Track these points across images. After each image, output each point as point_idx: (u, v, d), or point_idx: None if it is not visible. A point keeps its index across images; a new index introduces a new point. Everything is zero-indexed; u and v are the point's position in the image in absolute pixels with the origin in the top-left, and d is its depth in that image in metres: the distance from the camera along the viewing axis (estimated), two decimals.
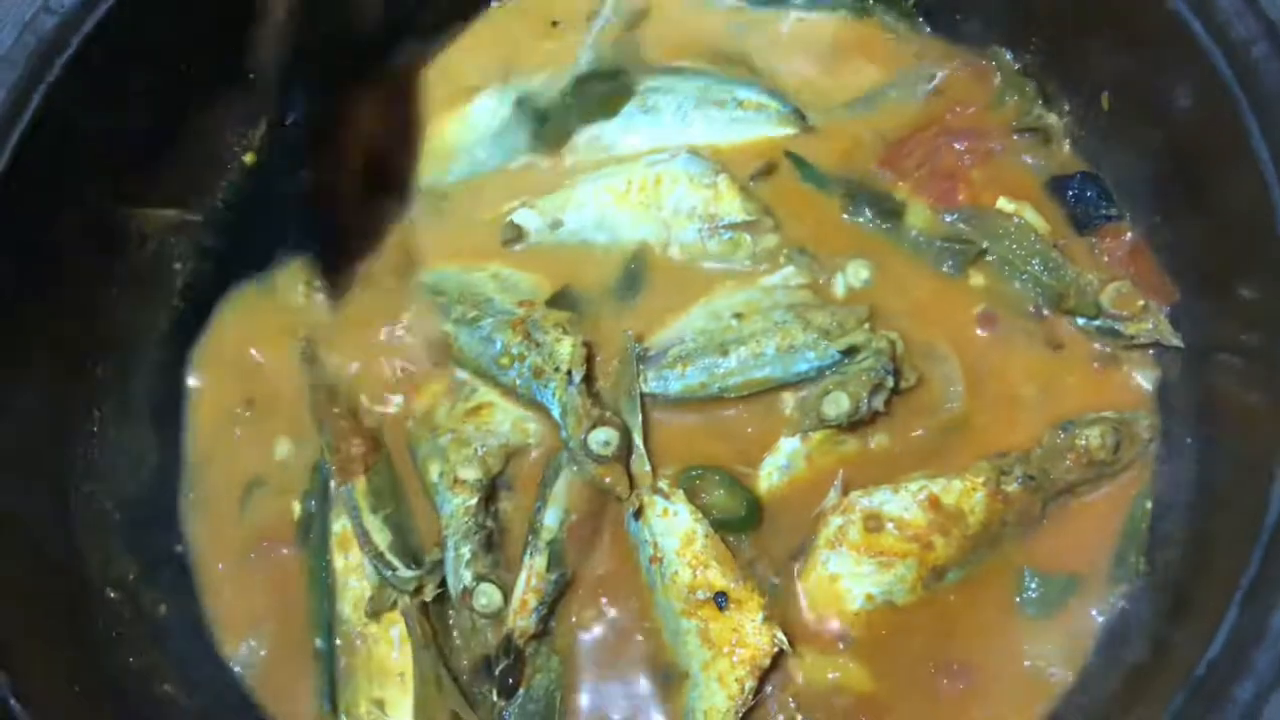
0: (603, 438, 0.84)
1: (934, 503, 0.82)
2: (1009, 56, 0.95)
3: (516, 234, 0.96)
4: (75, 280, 0.89)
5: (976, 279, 0.91)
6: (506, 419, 0.90)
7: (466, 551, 0.85)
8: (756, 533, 0.86)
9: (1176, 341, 0.83)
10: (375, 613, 0.86)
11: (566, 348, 0.87)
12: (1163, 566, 0.79)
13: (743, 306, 0.90)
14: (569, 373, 0.86)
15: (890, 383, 0.84)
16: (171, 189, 0.96)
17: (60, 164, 0.84)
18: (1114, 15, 0.81)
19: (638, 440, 0.86)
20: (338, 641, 0.88)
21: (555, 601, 0.86)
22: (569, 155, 1.00)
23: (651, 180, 0.95)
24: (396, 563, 0.86)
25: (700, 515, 0.84)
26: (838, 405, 0.84)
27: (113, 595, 0.87)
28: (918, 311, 0.90)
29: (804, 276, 0.91)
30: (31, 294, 0.84)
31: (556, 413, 0.87)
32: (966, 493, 0.83)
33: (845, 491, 0.85)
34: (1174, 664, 0.67)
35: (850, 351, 0.85)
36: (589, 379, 0.88)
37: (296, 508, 0.92)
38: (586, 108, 1.00)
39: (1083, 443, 0.83)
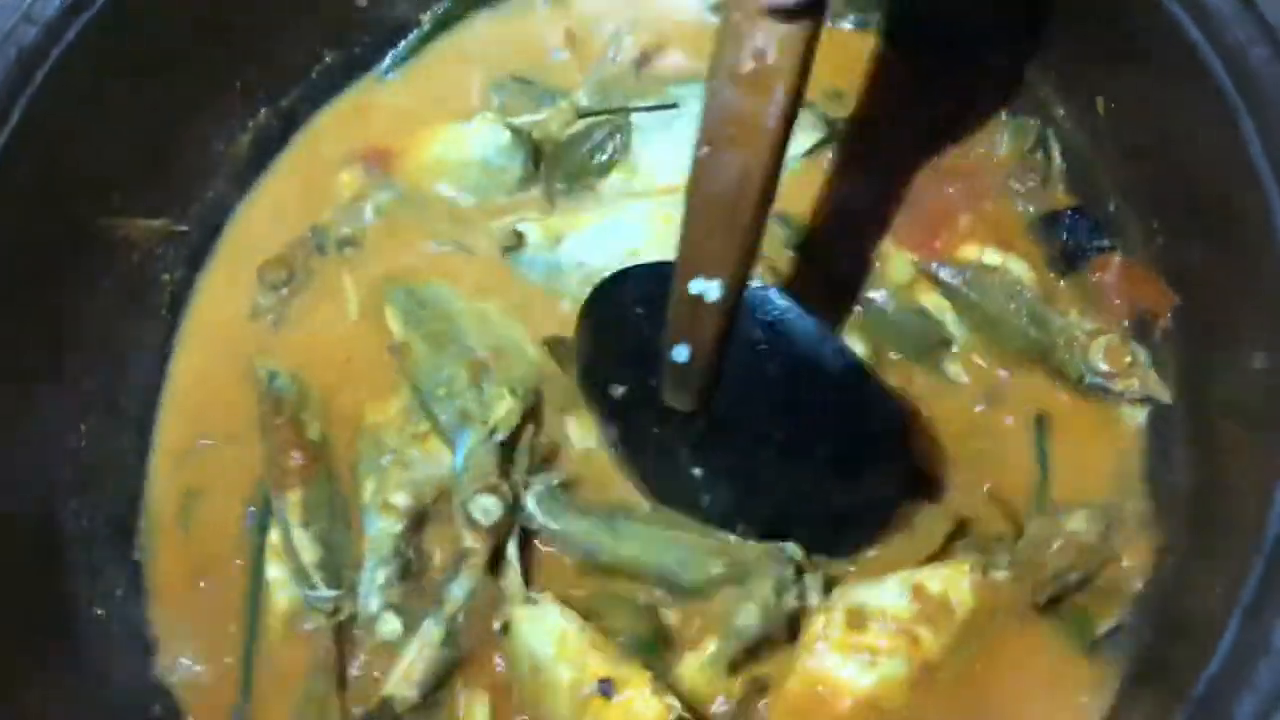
0: (485, 504, 0.81)
1: (919, 591, 0.78)
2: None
3: (518, 241, 0.95)
4: (61, 293, 0.88)
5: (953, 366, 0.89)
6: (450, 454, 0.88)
7: (381, 576, 0.83)
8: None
9: (1165, 398, 0.82)
10: (295, 625, 0.85)
11: (503, 408, 0.85)
12: (1162, 581, 0.78)
13: None
14: (492, 430, 0.84)
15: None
16: (158, 199, 0.95)
17: (43, 176, 0.83)
18: (1108, 18, 0.80)
19: (513, 548, 0.82)
20: (263, 651, 0.86)
21: (444, 677, 0.81)
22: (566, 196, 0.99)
23: (664, 214, 0.93)
24: (317, 581, 0.84)
25: (568, 610, 0.79)
26: (748, 616, 0.78)
27: (99, 613, 0.86)
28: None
29: None
30: (16, 306, 0.83)
31: (460, 460, 0.84)
32: (953, 580, 0.78)
33: (828, 590, 0.80)
34: (1174, 680, 0.66)
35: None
36: (509, 446, 0.85)
37: (237, 513, 0.90)
38: (580, 162, 0.98)
39: (1071, 529, 0.79)
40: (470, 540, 0.81)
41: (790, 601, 0.78)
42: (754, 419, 0.78)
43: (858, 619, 0.77)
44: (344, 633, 0.84)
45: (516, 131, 0.98)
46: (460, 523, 0.82)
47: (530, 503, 0.84)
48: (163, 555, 0.91)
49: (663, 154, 0.98)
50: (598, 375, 0.85)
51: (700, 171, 0.63)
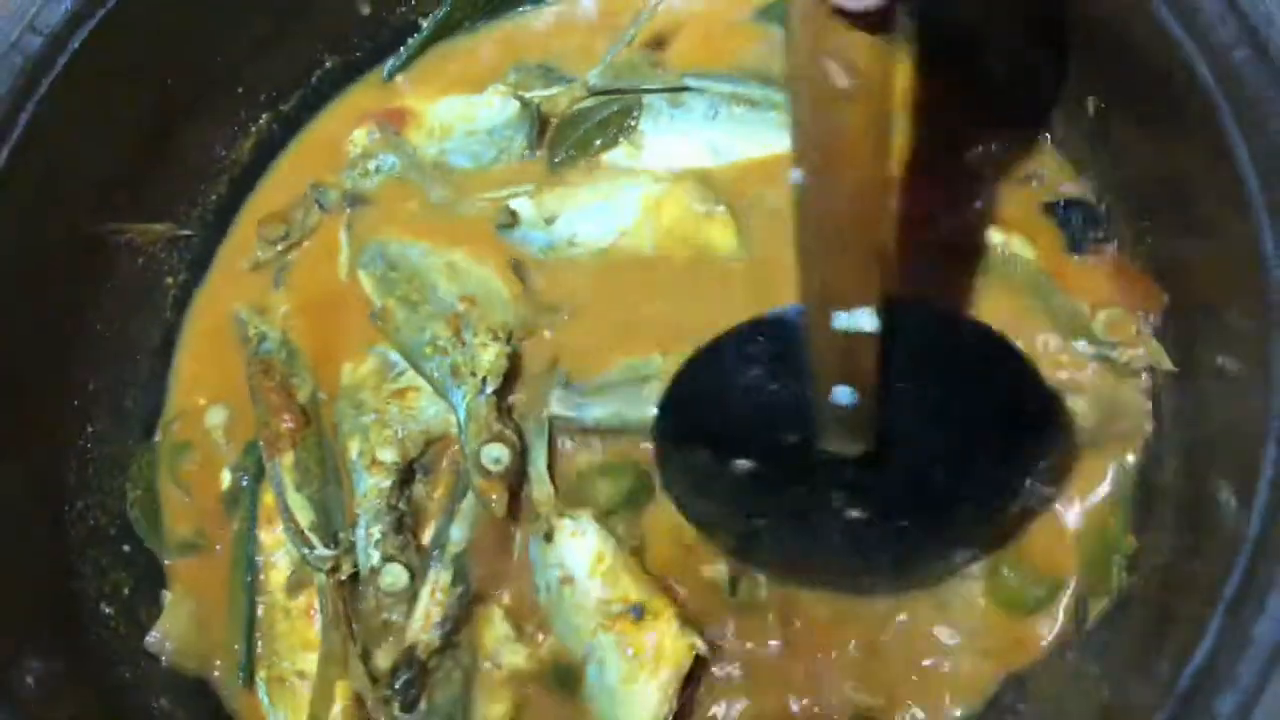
0: (494, 454, 0.84)
1: None
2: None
3: (511, 219, 0.96)
4: (66, 296, 0.90)
5: None
6: (431, 405, 0.91)
7: (377, 532, 0.86)
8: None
9: (1169, 365, 0.83)
10: (295, 588, 0.87)
11: (489, 355, 0.88)
12: (1146, 576, 0.79)
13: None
14: (483, 380, 0.87)
15: None
16: (161, 203, 0.97)
17: (49, 182, 0.85)
18: (1096, 18, 0.80)
19: (541, 465, 0.86)
20: (260, 613, 0.89)
21: (459, 616, 0.85)
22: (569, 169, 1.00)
23: (654, 198, 0.95)
24: (315, 541, 0.86)
25: (608, 533, 0.84)
26: None
27: (107, 610, 0.88)
28: None
29: None
30: (23, 311, 0.85)
31: (461, 416, 0.87)
32: None
33: None
34: (1157, 675, 0.67)
35: None
36: (503, 392, 0.88)
37: (226, 477, 0.93)
38: (588, 132, 1.00)
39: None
40: (485, 490, 0.84)
41: None
42: (918, 431, 0.74)
43: None
44: (349, 590, 0.87)
45: (525, 104, 0.99)
46: (474, 474, 0.85)
47: (557, 407, 0.88)
48: (162, 514, 0.94)
49: (670, 137, 0.99)
50: (704, 468, 0.80)
51: (810, 199, 0.58)
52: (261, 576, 0.90)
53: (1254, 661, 0.61)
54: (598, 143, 0.99)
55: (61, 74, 0.83)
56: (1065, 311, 0.87)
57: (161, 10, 0.89)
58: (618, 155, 0.99)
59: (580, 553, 0.84)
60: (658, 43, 1.04)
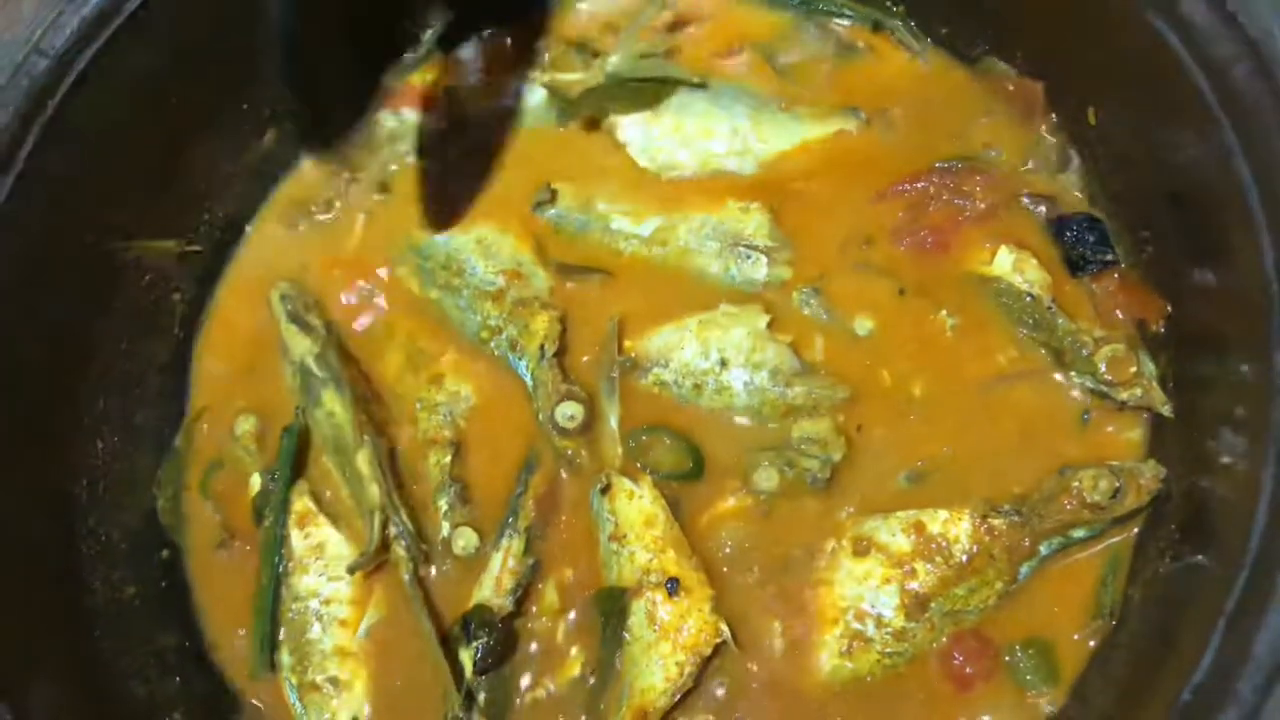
0: (568, 412, 0.90)
1: (919, 528, 0.84)
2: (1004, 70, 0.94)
3: (550, 197, 0.98)
4: (75, 314, 0.90)
5: None
6: (465, 381, 0.95)
7: (443, 504, 0.91)
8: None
9: (1166, 410, 0.83)
10: (355, 569, 0.89)
11: (542, 323, 0.92)
12: (1146, 593, 0.79)
13: (733, 351, 0.90)
14: (541, 347, 0.91)
15: (824, 474, 0.87)
16: (168, 220, 0.97)
17: (57, 202, 0.85)
18: (1097, 33, 0.80)
19: (613, 423, 0.90)
20: (291, 615, 0.91)
21: (528, 585, 0.89)
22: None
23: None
24: (403, 519, 0.90)
25: (664, 503, 0.87)
26: (768, 479, 0.88)
27: (119, 624, 0.89)
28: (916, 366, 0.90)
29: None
30: (32, 329, 0.86)
31: (530, 385, 0.92)
32: (952, 521, 0.83)
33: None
34: (1160, 691, 0.67)
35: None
36: (561, 353, 0.92)
37: (256, 482, 0.95)
38: (621, 98, 1.01)
39: (1076, 484, 0.82)
40: (565, 446, 0.90)
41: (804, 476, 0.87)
42: None
43: (862, 547, 0.85)
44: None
45: (553, 91, 1.02)
46: (552, 435, 0.90)
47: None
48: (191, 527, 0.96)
49: (698, 121, 0.99)
50: None
51: None
52: (292, 580, 0.91)
53: (1254, 677, 0.62)
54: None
55: (68, 95, 0.83)
56: (1068, 344, 0.87)
57: (166, 31, 0.89)
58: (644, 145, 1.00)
59: (633, 514, 0.87)
60: (677, 22, 1.04)
